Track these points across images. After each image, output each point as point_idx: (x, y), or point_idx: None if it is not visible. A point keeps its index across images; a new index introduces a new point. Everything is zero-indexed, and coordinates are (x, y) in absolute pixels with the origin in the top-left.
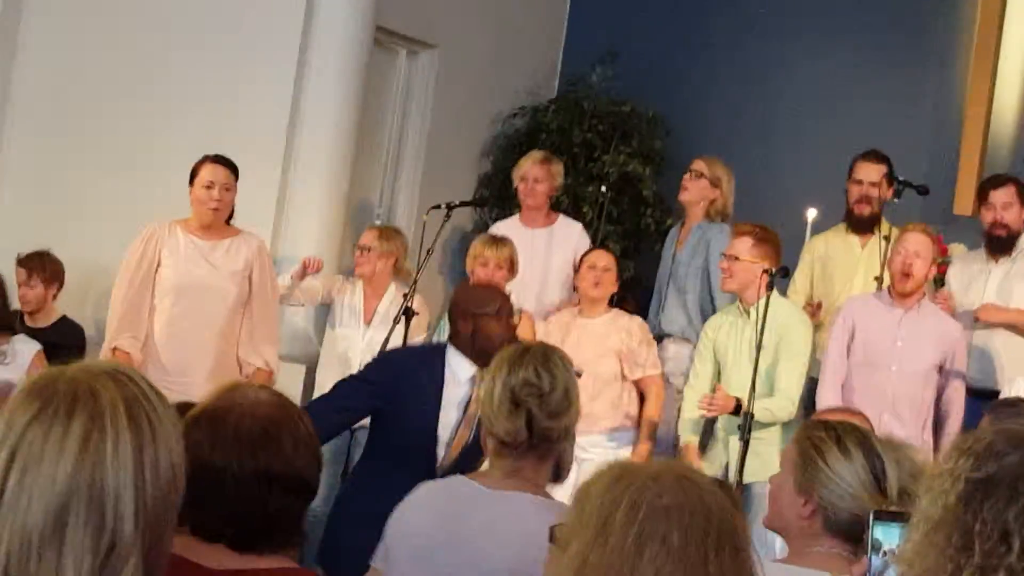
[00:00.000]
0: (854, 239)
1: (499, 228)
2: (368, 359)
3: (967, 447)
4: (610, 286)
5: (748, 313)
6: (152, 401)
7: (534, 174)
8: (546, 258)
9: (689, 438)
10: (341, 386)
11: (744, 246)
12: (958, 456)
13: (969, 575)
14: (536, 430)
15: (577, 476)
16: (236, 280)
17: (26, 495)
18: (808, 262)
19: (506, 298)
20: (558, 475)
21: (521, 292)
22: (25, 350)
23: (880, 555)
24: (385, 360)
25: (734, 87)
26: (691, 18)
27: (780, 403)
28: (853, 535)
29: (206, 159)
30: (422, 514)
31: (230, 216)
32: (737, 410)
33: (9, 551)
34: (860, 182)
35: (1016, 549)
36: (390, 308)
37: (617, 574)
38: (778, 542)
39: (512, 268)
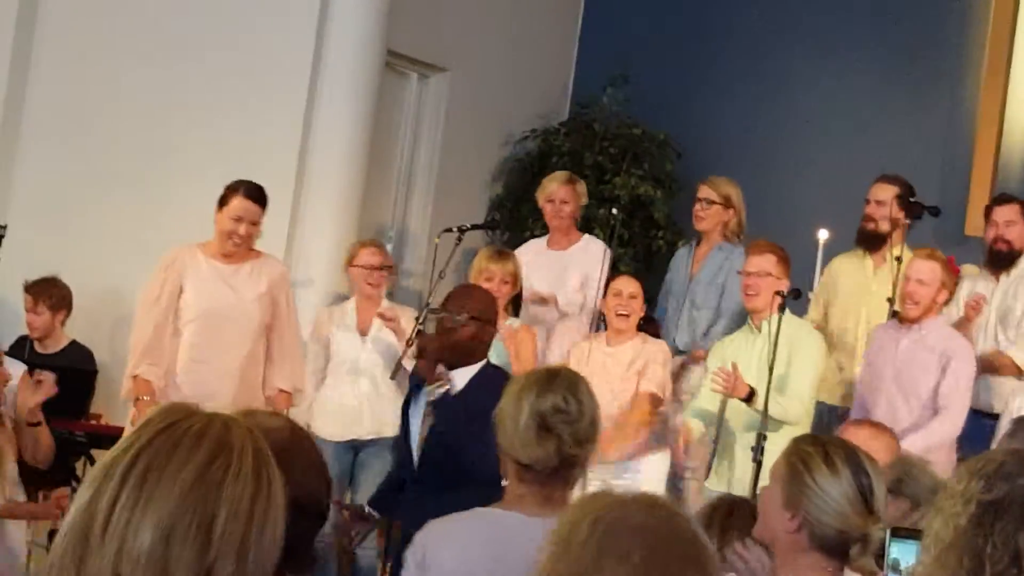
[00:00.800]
0: (867, 261)
1: (525, 251)
2: (374, 364)
3: (978, 468)
4: (637, 314)
5: (759, 329)
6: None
7: (561, 195)
8: (560, 280)
9: (693, 423)
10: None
11: (769, 263)
12: (969, 478)
13: None
14: (564, 456)
15: None
16: (259, 304)
17: (143, 502)
18: (823, 285)
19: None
20: None
21: (545, 314)
22: (11, 372)
23: (897, 573)
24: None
25: (745, 109)
26: (702, 40)
27: (792, 403)
28: (838, 551)
29: (238, 189)
30: (469, 549)
31: None
32: (748, 398)
33: (116, 559)
34: (868, 201)
35: None
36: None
37: None
38: None
39: (515, 282)
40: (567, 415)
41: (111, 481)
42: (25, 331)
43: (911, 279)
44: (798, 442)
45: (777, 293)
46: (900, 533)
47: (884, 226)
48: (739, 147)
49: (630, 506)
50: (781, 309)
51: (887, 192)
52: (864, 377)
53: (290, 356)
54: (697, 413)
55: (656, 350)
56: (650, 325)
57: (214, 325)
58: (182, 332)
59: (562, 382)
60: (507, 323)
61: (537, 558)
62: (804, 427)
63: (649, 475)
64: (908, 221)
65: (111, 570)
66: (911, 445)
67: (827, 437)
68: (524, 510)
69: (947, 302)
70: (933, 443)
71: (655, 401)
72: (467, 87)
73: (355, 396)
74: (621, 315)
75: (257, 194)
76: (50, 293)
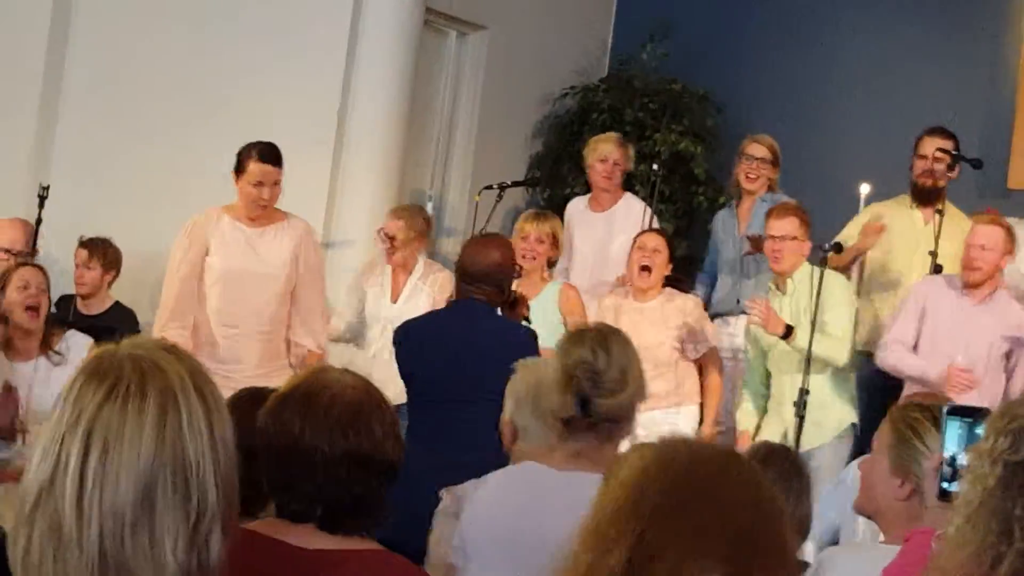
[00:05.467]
0: (917, 214)
1: (569, 209)
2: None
3: (1003, 426)
4: (661, 267)
5: (783, 290)
6: (206, 372)
7: (615, 157)
8: (604, 241)
9: (746, 427)
10: None
11: (793, 226)
12: (995, 436)
13: (1010, 563)
14: (593, 409)
15: None
16: (283, 266)
17: (112, 475)
18: (866, 221)
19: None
20: None
21: (583, 273)
22: (78, 344)
23: (952, 468)
24: None
25: (785, 63)
26: None
27: (835, 344)
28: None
29: (251, 154)
30: (497, 498)
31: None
32: (787, 335)
33: (102, 531)
34: (926, 156)
35: None
36: (417, 283)
37: (636, 535)
38: (861, 524)
39: (555, 243)
40: (591, 366)
41: (70, 459)
42: (69, 291)
43: (974, 245)
44: (903, 409)
45: (818, 247)
46: (956, 412)
47: (942, 180)
48: (779, 101)
49: (698, 456)
50: (823, 264)
51: (945, 145)
52: (904, 332)
53: (312, 316)
54: (746, 419)
55: (688, 305)
56: (678, 286)
57: (238, 287)
58: (206, 295)
59: (591, 336)
60: (550, 287)
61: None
62: (847, 369)
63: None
64: (949, 174)
65: (96, 551)
66: None
67: (929, 402)
68: (552, 463)
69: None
70: None
71: (720, 363)
72: (506, 45)
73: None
74: (644, 268)
75: (271, 154)
76: (104, 251)
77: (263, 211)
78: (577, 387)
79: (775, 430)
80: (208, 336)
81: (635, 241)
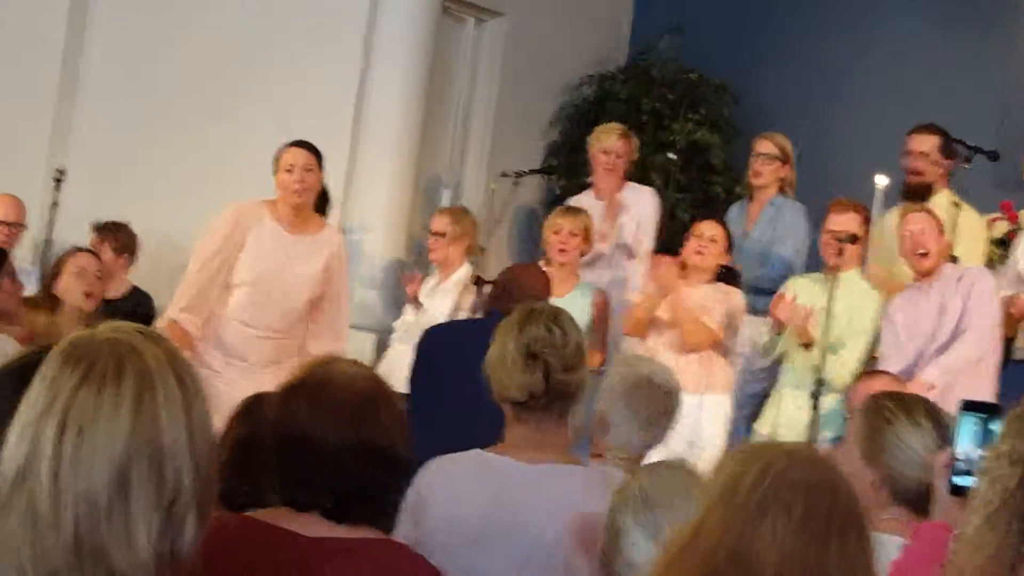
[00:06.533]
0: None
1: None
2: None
3: (1023, 428)
4: (714, 256)
5: (832, 282)
6: (188, 364)
7: (617, 149)
8: (620, 224)
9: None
10: None
11: (855, 223)
12: (1013, 436)
13: None
14: (552, 384)
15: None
16: (312, 282)
17: (86, 458)
18: (879, 240)
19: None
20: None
21: (594, 263)
22: None
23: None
24: None
25: (803, 54)
26: None
27: (841, 371)
28: (919, 505)
29: (286, 147)
30: (462, 491)
31: (323, 206)
32: (808, 345)
33: (77, 515)
34: (910, 152)
35: None
36: (450, 285)
37: (735, 535)
38: None
39: (587, 237)
40: (552, 343)
41: (45, 444)
42: None
43: (913, 232)
44: (876, 398)
45: (836, 239)
46: (971, 407)
47: (931, 176)
48: (797, 92)
49: (796, 457)
50: (839, 253)
51: (928, 142)
52: (889, 338)
53: (333, 330)
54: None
55: (729, 295)
56: (731, 277)
57: (265, 292)
58: (232, 290)
59: (542, 315)
60: (581, 290)
61: (694, 507)
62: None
63: (710, 418)
64: (952, 167)
65: (72, 534)
66: (927, 375)
67: (903, 392)
68: (518, 456)
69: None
70: (951, 364)
71: (707, 331)
72: (524, 32)
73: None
74: (697, 254)
75: (303, 143)
76: (116, 236)
77: (300, 199)
78: (542, 363)
79: (770, 421)
80: (223, 329)
81: (691, 229)
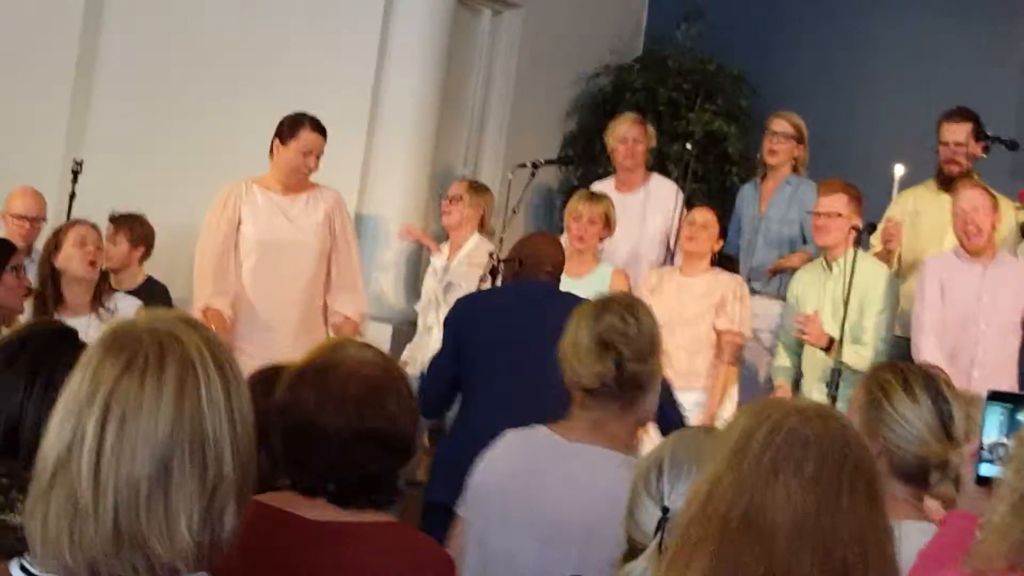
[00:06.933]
0: (945, 197)
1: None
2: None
3: None
4: (706, 242)
5: (831, 268)
6: (227, 351)
7: (633, 134)
8: (641, 222)
9: (781, 381)
10: None
11: (840, 203)
12: None
13: None
14: (625, 373)
15: None
16: (317, 233)
17: (128, 446)
18: (896, 214)
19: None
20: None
21: (615, 256)
22: (127, 304)
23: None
24: None
25: (819, 43)
26: None
27: (864, 358)
28: (918, 479)
29: (304, 122)
30: (502, 466)
31: None
32: (828, 347)
33: (117, 501)
34: (947, 143)
35: None
36: (471, 253)
37: (749, 494)
38: None
39: (608, 224)
40: (625, 332)
41: (86, 433)
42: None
43: (964, 211)
44: (876, 370)
45: (853, 228)
46: (998, 397)
47: (968, 166)
48: (814, 81)
49: (805, 413)
50: (856, 244)
51: (963, 130)
52: (926, 312)
53: (350, 282)
54: (782, 373)
55: (732, 283)
56: (726, 263)
57: (273, 256)
58: (242, 264)
59: (618, 304)
60: (602, 268)
61: (703, 464)
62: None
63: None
64: (984, 156)
65: (111, 524)
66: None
67: (905, 364)
68: (567, 434)
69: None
70: None
71: (737, 343)
72: (540, 23)
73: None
74: (691, 240)
75: (322, 127)
76: (131, 227)
77: (303, 180)
78: (615, 352)
79: None
80: (246, 305)
81: (685, 214)
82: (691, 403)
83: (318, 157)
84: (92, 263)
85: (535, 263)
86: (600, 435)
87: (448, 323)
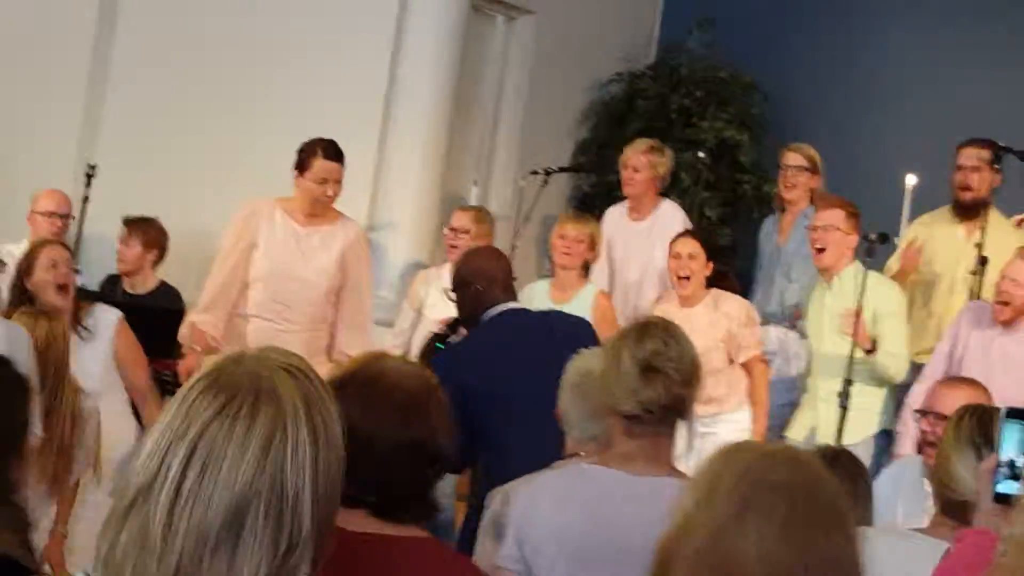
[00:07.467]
0: (958, 226)
1: (607, 220)
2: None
3: None
4: (698, 273)
5: (829, 284)
6: (325, 400)
7: (634, 163)
8: (649, 249)
9: None
10: None
11: (838, 217)
12: None
13: None
14: (673, 396)
15: (700, 453)
16: (327, 273)
17: (205, 493)
18: (917, 236)
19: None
20: None
21: (620, 286)
22: (106, 319)
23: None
24: None
25: (833, 52)
26: None
27: (896, 361)
28: (964, 517)
29: (316, 151)
30: (567, 508)
31: None
32: (870, 350)
33: (184, 546)
34: (963, 167)
35: None
36: None
37: (718, 539)
38: (899, 510)
39: (593, 246)
40: (669, 356)
41: (170, 470)
42: (115, 270)
43: (1006, 277)
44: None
45: (865, 237)
46: (1015, 414)
47: (984, 192)
48: (826, 91)
49: (776, 461)
50: (869, 255)
51: (979, 156)
52: (942, 352)
53: (358, 321)
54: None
55: (734, 312)
56: (723, 281)
57: (279, 286)
58: (250, 285)
59: (658, 329)
60: (586, 289)
61: (673, 507)
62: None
63: (730, 435)
64: (994, 167)
65: (174, 567)
66: None
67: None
68: (630, 468)
69: None
70: None
71: (761, 369)
72: (553, 29)
73: None
74: (682, 278)
75: (335, 152)
76: (145, 230)
77: (325, 209)
78: (663, 377)
79: (806, 423)
80: (245, 327)
81: (670, 248)
82: (714, 422)
83: (337, 183)
84: (64, 287)
85: (490, 282)
86: (660, 465)
87: (445, 381)
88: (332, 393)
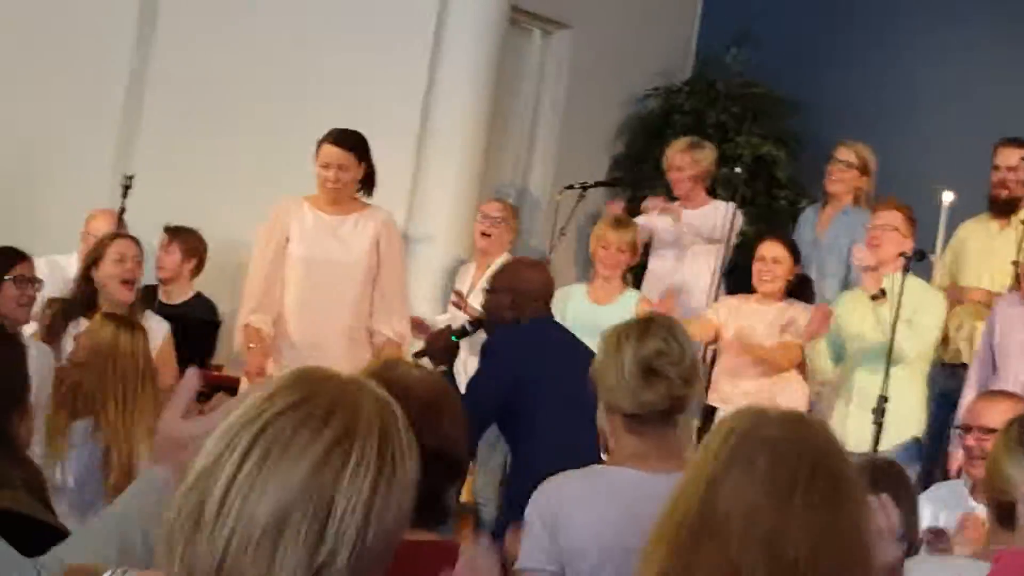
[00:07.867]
0: (993, 223)
1: (653, 219)
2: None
3: None
4: (780, 279)
5: (880, 299)
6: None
7: (676, 162)
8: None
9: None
10: None
11: (896, 219)
12: None
13: None
14: (674, 398)
15: None
16: (364, 254)
17: (260, 485)
18: (951, 249)
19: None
20: None
21: (665, 278)
22: (158, 329)
23: None
24: None
25: (869, 69)
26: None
27: (911, 337)
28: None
29: (325, 137)
30: (598, 508)
31: (370, 188)
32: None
33: (232, 532)
34: (998, 167)
35: None
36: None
37: (704, 491)
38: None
39: (635, 252)
40: (671, 357)
41: (233, 453)
42: (153, 281)
43: None
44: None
45: (901, 254)
46: None
47: (1019, 191)
48: (863, 107)
49: (767, 416)
50: (905, 270)
51: (1014, 156)
52: (984, 351)
53: (392, 305)
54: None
55: (802, 310)
56: (805, 285)
57: (319, 276)
58: (288, 281)
59: (659, 327)
60: (628, 296)
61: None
62: (922, 377)
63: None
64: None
65: (221, 550)
66: None
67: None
68: (643, 466)
69: None
70: None
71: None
72: (590, 44)
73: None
74: (765, 280)
75: (341, 138)
76: (185, 238)
77: (334, 195)
78: (664, 377)
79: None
80: (293, 323)
81: (756, 250)
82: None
83: (340, 168)
84: (130, 283)
85: (526, 296)
86: (672, 460)
87: (499, 353)
88: (415, 450)
